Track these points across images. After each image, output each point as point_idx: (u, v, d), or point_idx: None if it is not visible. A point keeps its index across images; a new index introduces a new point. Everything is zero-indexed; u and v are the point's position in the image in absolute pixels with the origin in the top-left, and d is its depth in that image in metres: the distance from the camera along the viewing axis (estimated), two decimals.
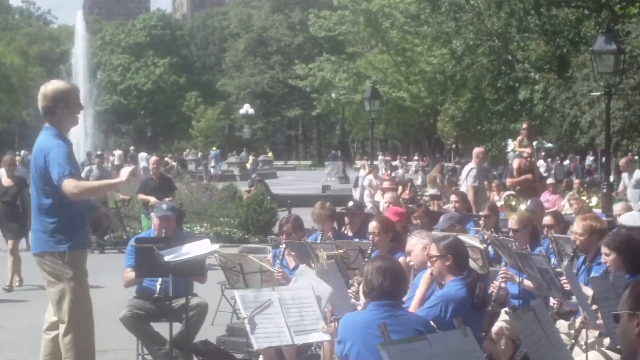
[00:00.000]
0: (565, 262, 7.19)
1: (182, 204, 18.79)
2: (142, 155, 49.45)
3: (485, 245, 8.59)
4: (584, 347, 6.26)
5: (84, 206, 6.62)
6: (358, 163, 59.78)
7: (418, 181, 33.13)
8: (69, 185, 6.16)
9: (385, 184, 19.96)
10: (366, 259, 7.59)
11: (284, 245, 8.69)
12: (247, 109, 60.97)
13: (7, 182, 13.84)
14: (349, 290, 6.93)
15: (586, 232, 7.32)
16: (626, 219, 8.92)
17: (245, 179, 35.91)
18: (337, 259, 7.54)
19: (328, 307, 6.46)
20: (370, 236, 8.19)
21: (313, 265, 6.58)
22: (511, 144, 30.74)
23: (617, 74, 18.28)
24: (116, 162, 49.96)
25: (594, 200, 16.42)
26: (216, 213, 21.59)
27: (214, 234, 18.61)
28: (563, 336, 5.87)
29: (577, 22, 30.49)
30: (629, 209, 10.39)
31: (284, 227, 9.00)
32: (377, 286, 5.27)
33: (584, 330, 6.27)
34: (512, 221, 8.62)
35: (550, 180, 18.89)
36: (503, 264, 7.93)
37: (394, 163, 46.96)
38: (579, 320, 6.31)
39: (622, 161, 17.64)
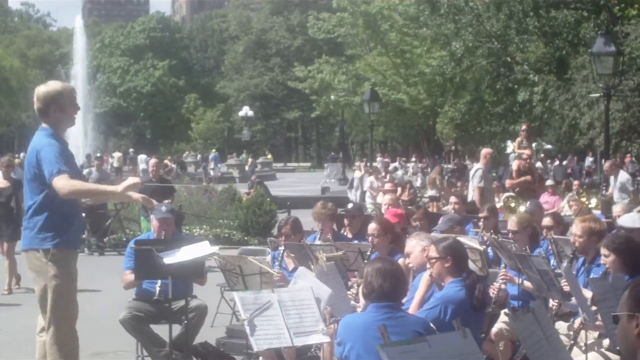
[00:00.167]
0: (565, 264, 7.19)
1: (182, 206, 18.79)
2: (142, 157, 49.48)
3: (484, 246, 8.59)
4: (583, 348, 6.26)
5: (76, 206, 6.61)
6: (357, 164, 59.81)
7: (417, 183, 33.13)
8: (59, 182, 6.15)
9: (387, 186, 19.95)
10: (366, 261, 7.59)
11: (282, 247, 8.69)
12: (246, 111, 60.95)
13: (2, 183, 13.83)
14: (349, 292, 6.93)
15: (585, 234, 7.33)
16: (625, 220, 8.91)
17: (245, 181, 35.91)
18: (337, 261, 7.54)
19: (327, 309, 6.46)
20: (370, 238, 8.19)
21: (312, 267, 6.58)
22: (510, 146, 30.78)
23: (616, 76, 18.31)
24: (115, 164, 49.98)
25: (594, 202, 16.41)
26: (216, 215, 21.59)
27: (214, 236, 18.61)
28: (562, 337, 5.87)
29: (576, 23, 30.52)
30: (628, 210, 10.37)
31: (283, 229, 9.00)
32: (376, 288, 5.27)
33: (583, 331, 6.28)
34: (512, 223, 8.61)
35: (549, 182, 18.87)
36: (502, 265, 7.93)
37: (392, 165, 46.94)
38: (578, 321, 6.31)
39: (606, 165, 17.67)
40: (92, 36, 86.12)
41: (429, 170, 40.27)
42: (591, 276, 6.85)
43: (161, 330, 8.12)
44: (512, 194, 15.23)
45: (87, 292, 11.22)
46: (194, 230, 19.43)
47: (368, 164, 30.70)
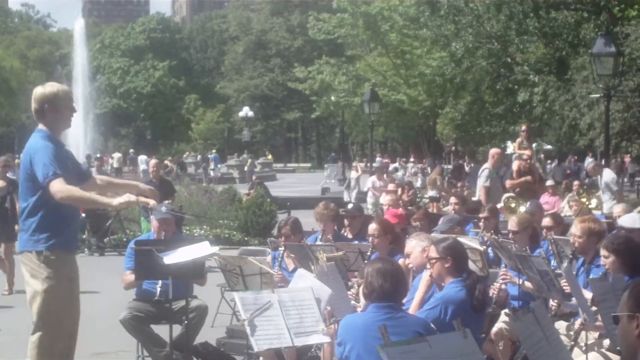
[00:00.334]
0: (565, 264, 7.19)
1: (182, 206, 18.80)
2: (142, 158, 49.48)
3: (485, 247, 8.59)
4: (583, 348, 6.27)
5: (72, 208, 6.60)
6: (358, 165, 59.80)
7: (418, 183, 33.14)
8: (54, 187, 6.12)
9: (390, 187, 19.95)
10: (366, 261, 7.60)
11: (282, 248, 8.69)
12: (246, 111, 60.98)
13: None
14: (349, 292, 6.94)
15: (584, 234, 7.33)
16: (626, 221, 8.92)
17: (245, 182, 35.94)
18: (337, 261, 7.54)
19: (328, 309, 6.47)
20: (370, 238, 8.19)
21: (313, 267, 6.58)
22: (511, 146, 30.77)
23: (616, 76, 18.31)
24: (115, 165, 49.96)
25: (594, 202, 16.41)
26: (216, 215, 21.60)
27: (214, 236, 18.62)
28: (562, 337, 5.87)
29: (576, 24, 30.53)
30: (629, 210, 10.38)
31: (283, 230, 9.01)
32: (377, 288, 5.28)
33: (583, 332, 6.28)
34: (512, 223, 8.62)
35: (549, 182, 18.87)
36: (503, 265, 7.94)
37: (392, 166, 46.95)
38: (578, 321, 6.32)
39: (590, 166, 17.76)
40: (92, 37, 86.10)
41: (429, 170, 40.29)
42: (591, 277, 6.86)
43: (162, 331, 8.13)
44: (512, 194, 15.23)
45: (88, 293, 11.19)
46: (194, 231, 19.43)
47: (368, 165, 30.73)
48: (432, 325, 5.50)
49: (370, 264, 5.65)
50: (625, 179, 46.98)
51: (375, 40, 45.05)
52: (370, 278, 5.33)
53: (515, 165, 16.70)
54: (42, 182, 6.15)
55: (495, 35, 33.07)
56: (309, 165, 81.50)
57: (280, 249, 8.80)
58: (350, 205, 10.99)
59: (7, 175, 14.08)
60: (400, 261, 7.21)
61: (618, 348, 5.53)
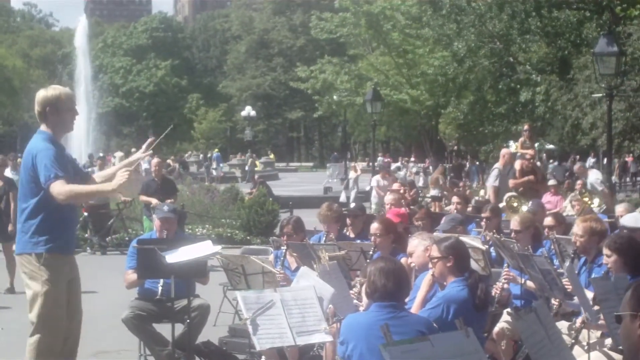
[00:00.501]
0: (567, 263, 7.19)
1: (184, 205, 18.81)
2: None
3: (487, 246, 8.59)
4: (586, 347, 6.26)
5: (72, 209, 6.60)
6: (360, 164, 59.75)
7: (420, 183, 33.14)
8: (56, 188, 6.12)
9: (395, 186, 19.95)
10: (368, 260, 7.60)
11: (285, 247, 8.70)
12: (248, 111, 60.94)
13: None
14: (351, 291, 6.94)
15: (586, 234, 7.33)
16: (628, 220, 8.91)
17: (250, 181, 35.96)
18: (339, 260, 7.55)
19: (330, 308, 6.47)
20: (372, 237, 8.19)
21: (315, 266, 6.59)
22: (513, 146, 30.76)
23: (618, 76, 18.29)
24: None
25: (596, 202, 16.41)
26: (218, 215, 21.60)
27: (216, 235, 18.63)
28: (564, 337, 5.87)
29: (579, 24, 30.48)
30: (631, 210, 10.37)
31: (285, 229, 9.01)
32: (380, 287, 5.28)
33: (585, 331, 6.28)
34: (514, 222, 8.62)
35: (552, 182, 18.87)
36: (505, 265, 7.93)
37: (394, 165, 46.96)
38: (579, 320, 6.31)
39: (576, 167, 17.87)
40: (95, 36, 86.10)
41: (431, 170, 40.29)
42: (593, 276, 6.86)
43: (164, 330, 8.13)
44: (514, 193, 15.24)
45: (90, 292, 11.22)
46: (197, 230, 19.44)
47: (370, 164, 30.72)
48: (434, 325, 5.50)
49: (372, 263, 5.66)
50: (627, 179, 47.03)
51: (377, 40, 45.01)
52: (373, 277, 5.34)
53: (518, 164, 16.71)
54: (44, 184, 6.15)
55: (498, 35, 33.03)
56: (311, 164, 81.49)
57: (282, 247, 8.81)
58: (352, 205, 10.99)
59: (4, 174, 14.09)
60: (403, 260, 7.21)
61: (620, 347, 5.53)
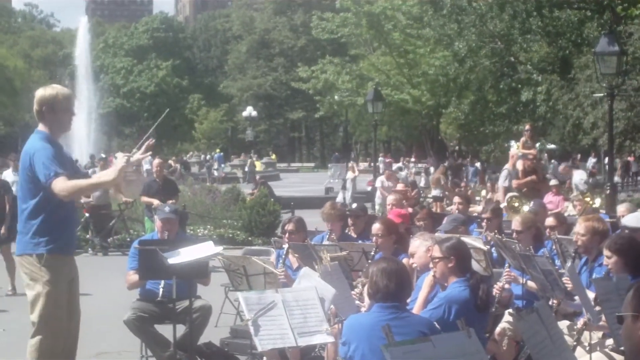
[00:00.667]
0: (569, 263, 7.19)
1: (186, 206, 18.81)
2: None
3: (488, 246, 8.59)
4: (587, 348, 6.26)
5: (71, 209, 6.59)
6: (361, 165, 59.74)
7: (421, 183, 33.14)
8: (58, 185, 6.10)
9: (399, 187, 19.96)
10: (370, 261, 7.60)
11: (286, 245, 8.70)
12: (250, 111, 60.96)
13: None
14: (353, 292, 6.94)
15: (588, 233, 7.34)
16: (630, 220, 8.90)
17: (251, 181, 35.94)
18: (341, 261, 7.55)
19: (331, 309, 6.47)
20: (374, 238, 8.19)
21: (316, 267, 6.59)
22: (514, 146, 30.75)
23: (619, 75, 18.29)
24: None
25: (598, 202, 16.42)
26: (219, 215, 21.60)
27: (218, 236, 18.63)
28: (565, 337, 5.86)
29: (580, 23, 30.50)
30: (632, 210, 10.36)
31: (287, 227, 9.02)
32: (382, 288, 5.28)
33: (587, 331, 6.27)
34: (516, 223, 8.61)
35: (553, 182, 18.88)
36: (506, 265, 7.93)
37: (396, 165, 46.94)
38: (581, 321, 6.31)
39: (561, 168, 17.93)
40: (96, 36, 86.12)
41: (431, 170, 40.28)
42: (594, 276, 6.86)
43: (165, 331, 8.14)
44: (515, 193, 15.25)
45: (91, 293, 11.23)
46: (198, 231, 19.45)
47: (371, 164, 30.70)
48: (436, 325, 5.50)
49: (375, 263, 5.65)
50: (630, 179, 46.95)
51: (378, 40, 45.04)
52: (375, 278, 5.34)
53: (520, 164, 16.74)
54: (45, 183, 6.13)
55: (499, 35, 33.04)
56: (312, 164, 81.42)
57: (284, 246, 8.81)
58: (354, 205, 10.99)
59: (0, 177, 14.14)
60: (404, 261, 7.21)
61: (622, 348, 5.53)
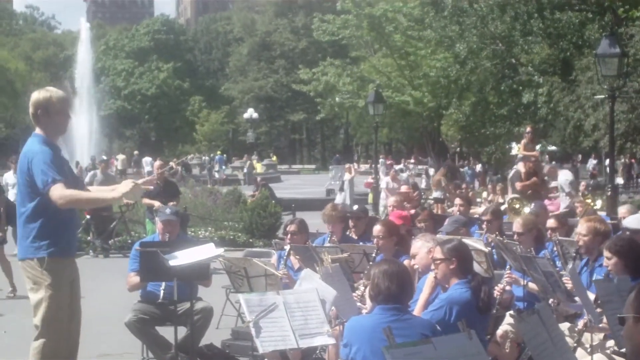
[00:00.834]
0: (570, 265, 7.19)
1: (187, 208, 18.81)
2: (146, 159, 49.53)
3: (489, 248, 8.58)
4: (588, 349, 6.26)
5: (71, 212, 6.58)
6: (362, 167, 59.76)
7: (422, 185, 33.13)
8: (55, 193, 6.08)
9: (403, 188, 19.96)
10: (371, 263, 7.59)
11: (288, 246, 8.70)
12: (251, 113, 60.97)
13: None
14: (354, 294, 6.93)
15: (590, 233, 7.34)
16: (631, 222, 8.90)
17: (251, 183, 35.94)
18: (342, 263, 7.54)
19: (332, 311, 6.46)
20: (375, 240, 8.19)
21: (317, 268, 6.59)
22: (515, 147, 30.74)
23: (620, 77, 18.28)
24: (119, 167, 49.96)
25: (599, 203, 16.43)
26: (220, 217, 21.60)
27: (219, 238, 18.63)
28: (566, 339, 5.86)
29: (581, 25, 30.49)
30: (633, 211, 10.36)
31: (289, 228, 9.03)
32: (383, 290, 5.28)
33: (588, 333, 6.27)
34: (517, 224, 8.61)
35: (554, 184, 18.89)
36: (508, 267, 7.92)
37: (397, 167, 46.94)
38: (581, 322, 6.31)
39: (546, 168, 17.95)
40: (97, 39, 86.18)
41: (430, 172, 40.31)
42: (594, 277, 6.86)
43: (166, 333, 8.13)
44: (516, 195, 15.25)
45: (92, 295, 11.22)
46: (199, 233, 19.45)
47: (372, 166, 30.68)
48: (438, 328, 5.49)
49: (376, 265, 5.65)
50: (632, 181, 46.96)
51: (379, 42, 44.98)
52: (376, 280, 5.33)
53: (522, 167, 16.77)
54: (42, 190, 6.12)
55: (500, 36, 33.04)
56: (313, 166, 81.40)
57: (285, 247, 8.81)
58: (355, 207, 10.98)
59: None
60: (406, 262, 7.20)
61: (623, 349, 5.52)
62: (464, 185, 24.57)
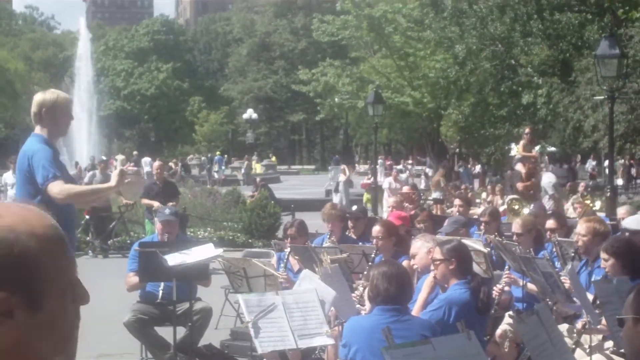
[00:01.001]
0: (569, 266, 7.19)
1: (186, 208, 18.81)
2: (146, 160, 49.46)
3: (489, 249, 8.58)
4: (587, 350, 6.26)
5: (71, 212, 6.58)
6: (362, 167, 59.74)
7: (421, 185, 33.12)
8: (54, 188, 6.09)
9: (405, 189, 19.97)
10: (370, 263, 7.59)
11: (288, 249, 8.70)
12: (250, 113, 60.93)
13: None
14: (353, 295, 6.93)
15: (589, 234, 7.35)
16: (630, 223, 8.90)
17: (249, 183, 35.92)
18: (341, 263, 7.54)
19: (332, 311, 6.46)
20: (374, 240, 8.18)
21: (317, 269, 6.59)
22: (514, 148, 30.77)
23: (620, 78, 18.28)
24: (118, 167, 49.88)
25: (598, 204, 16.43)
26: (220, 217, 21.59)
27: (218, 238, 18.61)
28: (565, 339, 5.86)
29: (580, 26, 30.52)
30: (633, 212, 10.36)
31: (289, 231, 9.03)
32: (382, 291, 5.28)
33: (587, 334, 6.27)
34: (516, 225, 8.61)
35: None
36: (507, 267, 7.93)
37: (396, 167, 46.94)
38: (580, 323, 6.31)
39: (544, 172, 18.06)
40: (96, 39, 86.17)
41: (428, 172, 40.31)
42: (593, 277, 6.86)
43: (165, 333, 8.13)
44: (515, 196, 15.25)
45: (91, 295, 11.18)
46: (198, 233, 19.44)
47: (372, 166, 30.68)
48: (438, 329, 5.49)
49: (375, 267, 5.66)
50: (633, 182, 46.91)
51: (379, 42, 45.00)
52: (375, 281, 5.33)
53: (522, 167, 16.79)
54: (42, 184, 6.12)
55: (499, 37, 33.07)
56: (312, 167, 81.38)
57: (285, 250, 8.82)
58: (354, 207, 11.00)
59: None
60: (405, 263, 7.20)
61: (622, 350, 5.52)
62: (463, 186, 24.60)
